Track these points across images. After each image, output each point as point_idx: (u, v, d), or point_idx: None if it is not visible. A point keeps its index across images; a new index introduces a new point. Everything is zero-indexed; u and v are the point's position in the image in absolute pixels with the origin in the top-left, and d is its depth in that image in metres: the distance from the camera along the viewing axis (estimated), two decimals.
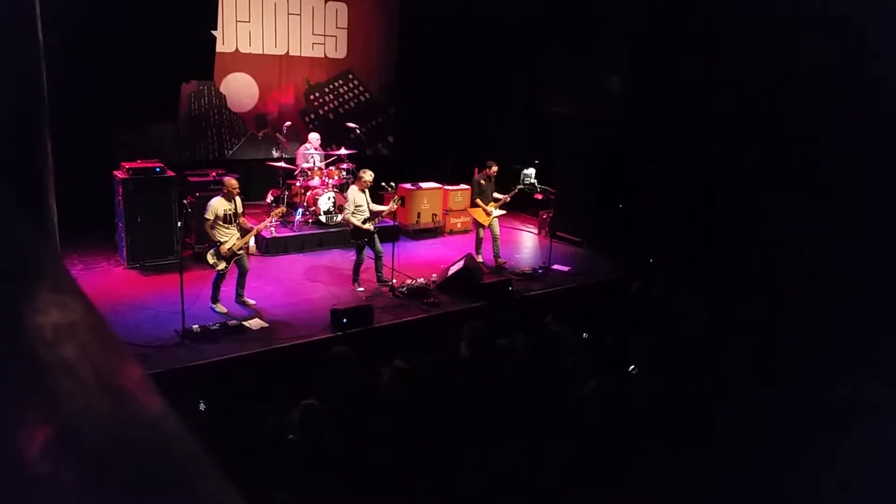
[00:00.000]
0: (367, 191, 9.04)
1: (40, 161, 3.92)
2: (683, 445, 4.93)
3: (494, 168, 10.29)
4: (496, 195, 10.45)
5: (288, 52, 12.83)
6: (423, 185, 12.14)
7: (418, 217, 11.87)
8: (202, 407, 5.32)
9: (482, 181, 10.35)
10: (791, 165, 9.84)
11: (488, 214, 10.31)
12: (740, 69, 10.38)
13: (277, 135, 12.03)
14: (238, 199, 8.03)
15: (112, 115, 8.91)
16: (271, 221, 9.05)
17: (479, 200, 10.34)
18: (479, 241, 10.60)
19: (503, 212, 10.68)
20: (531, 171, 13.19)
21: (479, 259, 10.37)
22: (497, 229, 10.51)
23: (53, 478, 0.47)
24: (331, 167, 11.39)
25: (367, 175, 9.00)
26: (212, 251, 7.89)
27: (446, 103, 13.44)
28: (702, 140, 11.25)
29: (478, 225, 10.57)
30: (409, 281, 9.20)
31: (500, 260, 10.46)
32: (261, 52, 12.49)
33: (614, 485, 4.65)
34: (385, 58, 14.04)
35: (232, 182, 7.97)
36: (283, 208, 9.54)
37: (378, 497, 4.54)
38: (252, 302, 8.31)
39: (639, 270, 9.83)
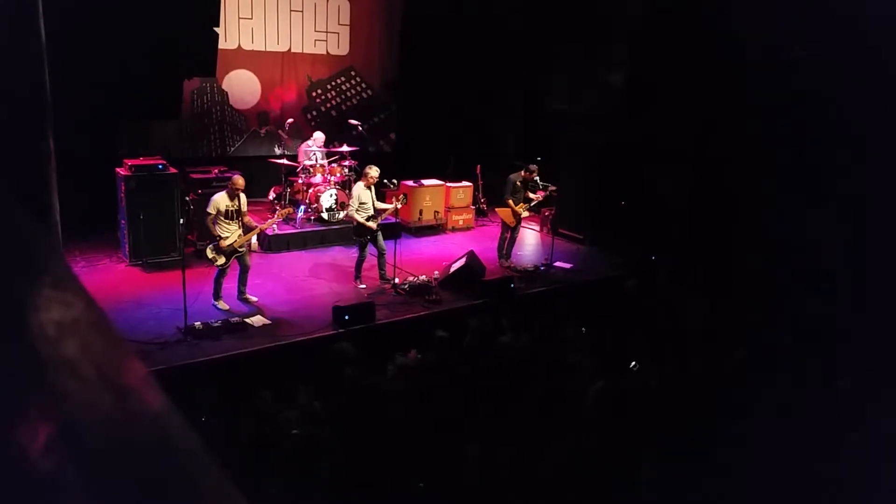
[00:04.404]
0: (372, 188, 9.02)
1: (43, 158, 3.92)
2: (683, 444, 4.93)
3: (535, 174, 10.13)
4: (528, 194, 10.24)
5: (290, 49, 12.82)
6: (425, 181, 12.13)
7: (420, 214, 11.87)
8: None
9: (518, 182, 10.07)
10: (793, 164, 9.83)
11: (515, 216, 10.11)
12: (742, 66, 10.36)
13: (280, 132, 12.03)
14: (242, 196, 8.03)
15: (115, 112, 8.91)
16: (276, 221, 9.05)
17: (510, 201, 10.06)
18: (502, 243, 10.35)
19: (528, 214, 10.58)
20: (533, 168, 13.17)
21: (508, 263, 10.24)
22: (518, 230, 10.43)
23: (55, 475, 0.47)
24: (333, 164, 11.38)
25: (374, 171, 8.98)
26: (211, 246, 7.90)
27: (448, 100, 13.42)
28: (704, 137, 11.23)
29: (504, 227, 10.31)
30: (410, 278, 9.19)
31: (509, 260, 10.36)
32: (263, 49, 12.49)
33: (614, 483, 4.65)
34: (387, 54, 14.04)
35: (238, 180, 7.95)
36: (290, 209, 9.52)
37: (378, 493, 4.55)
38: (254, 299, 8.32)
39: (639, 268, 9.82)
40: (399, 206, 9.41)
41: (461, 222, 12.49)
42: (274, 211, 10.39)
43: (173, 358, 6.73)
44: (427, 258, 10.53)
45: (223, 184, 8.32)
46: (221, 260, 7.89)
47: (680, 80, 11.12)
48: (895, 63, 8.61)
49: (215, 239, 7.85)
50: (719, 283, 9.05)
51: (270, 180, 11.71)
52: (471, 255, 9.47)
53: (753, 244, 10.00)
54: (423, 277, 9.22)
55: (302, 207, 11.02)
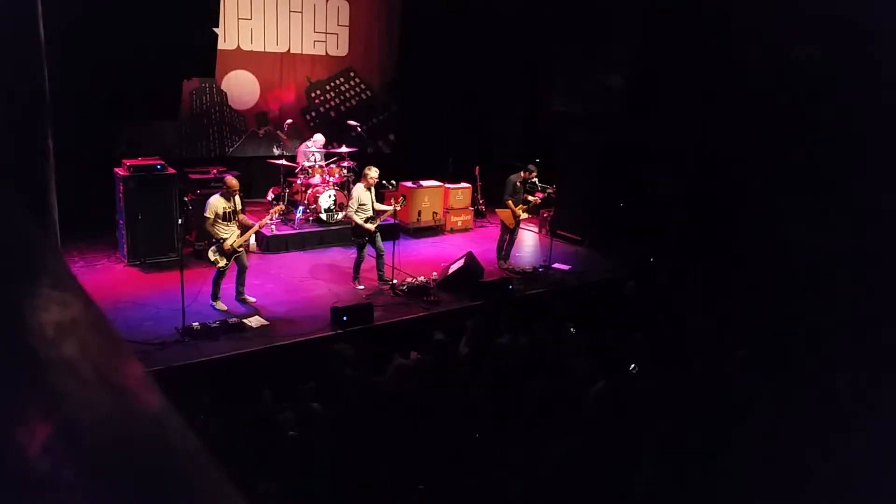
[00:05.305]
0: (372, 189, 9.01)
1: (42, 158, 3.92)
2: (683, 445, 4.93)
3: (535, 174, 10.11)
4: (528, 197, 10.21)
5: (289, 50, 12.82)
6: (424, 183, 12.13)
7: (419, 215, 11.87)
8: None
9: (517, 182, 10.01)
10: (793, 164, 9.84)
11: (514, 217, 10.07)
12: (742, 67, 10.37)
13: (278, 132, 12.03)
14: (237, 196, 8.03)
15: (114, 112, 8.92)
16: (271, 219, 9.03)
17: (510, 202, 9.99)
18: (501, 244, 10.31)
19: (527, 215, 10.60)
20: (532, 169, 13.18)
21: (507, 265, 10.24)
22: (517, 232, 10.42)
23: (54, 475, 0.47)
24: (332, 165, 11.38)
25: (373, 172, 8.96)
26: (213, 248, 7.87)
27: (447, 101, 13.43)
28: (704, 138, 11.24)
29: (504, 228, 10.26)
30: (409, 279, 9.19)
31: (507, 262, 10.35)
32: (262, 50, 12.49)
33: (614, 484, 4.65)
34: (386, 55, 14.04)
35: (233, 182, 7.96)
36: (281, 206, 9.52)
37: (377, 495, 4.55)
38: (252, 299, 8.31)
39: (638, 270, 9.82)
40: (398, 207, 9.40)
41: (460, 223, 12.49)
42: None
43: (171, 358, 6.72)
44: (425, 259, 10.53)
45: (221, 185, 8.31)
46: (223, 262, 7.89)
47: (680, 81, 11.13)
48: (895, 63, 8.63)
49: (215, 241, 7.83)
50: (720, 283, 9.06)
51: (269, 181, 11.71)
52: (469, 257, 9.46)
53: (753, 245, 10.01)
54: (421, 278, 9.22)
55: (300, 208, 11.01)
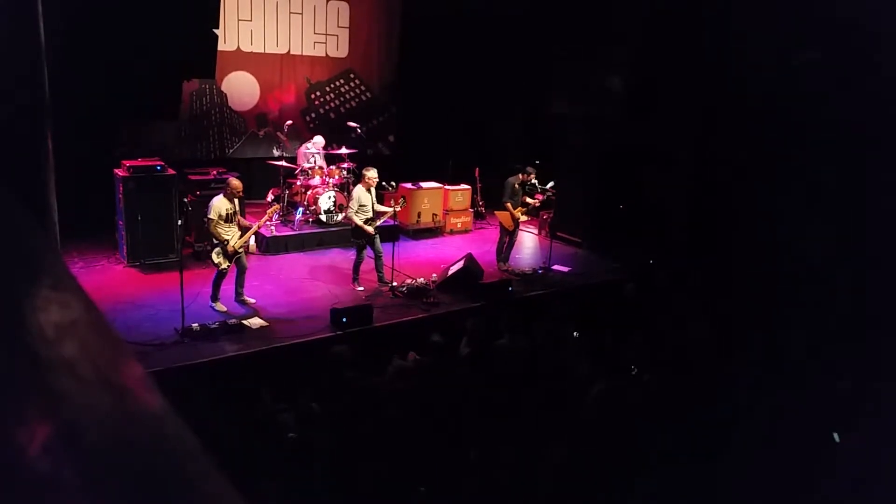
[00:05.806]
0: (372, 190, 9.00)
1: (42, 158, 3.92)
2: (683, 446, 4.93)
3: (532, 177, 10.11)
4: (526, 199, 10.21)
5: (289, 51, 12.83)
6: (424, 184, 12.12)
7: (418, 217, 11.86)
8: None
9: (516, 185, 10.00)
10: (793, 167, 9.84)
11: (514, 220, 10.06)
12: (742, 70, 10.37)
13: (278, 133, 12.03)
14: (238, 198, 8.03)
15: (114, 113, 8.92)
16: (270, 219, 9.01)
17: (508, 204, 9.95)
18: (501, 246, 10.30)
19: (526, 217, 10.59)
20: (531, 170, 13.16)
21: (506, 267, 10.25)
22: (516, 234, 10.42)
23: (54, 476, 0.47)
24: (331, 166, 11.38)
25: (372, 173, 8.95)
26: (217, 250, 7.86)
27: (447, 103, 13.43)
28: (703, 141, 11.24)
29: (503, 230, 10.26)
30: (408, 280, 9.19)
31: (507, 263, 10.35)
32: (262, 51, 12.49)
33: (614, 484, 4.65)
34: (386, 57, 14.05)
35: (236, 183, 7.95)
36: (277, 206, 9.53)
37: (377, 496, 4.55)
38: (252, 301, 8.31)
39: (637, 272, 9.81)
40: (398, 209, 9.39)
41: (459, 225, 12.49)
42: None
43: (171, 359, 6.72)
44: (425, 261, 10.52)
45: (222, 185, 8.31)
46: (226, 264, 7.89)
47: (680, 83, 11.13)
48: (895, 64, 8.63)
49: (218, 243, 7.81)
50: (719, 285, 9.06)
51: (268, 182, 11.71)
52: (469, 258, 9.46)
53: (753, 247, 10.00)
54: (421, 280, 9.21)
55: (300, 209, 11.01)
